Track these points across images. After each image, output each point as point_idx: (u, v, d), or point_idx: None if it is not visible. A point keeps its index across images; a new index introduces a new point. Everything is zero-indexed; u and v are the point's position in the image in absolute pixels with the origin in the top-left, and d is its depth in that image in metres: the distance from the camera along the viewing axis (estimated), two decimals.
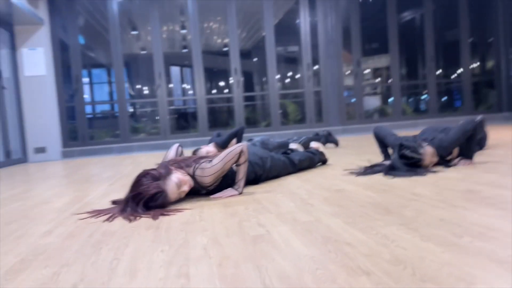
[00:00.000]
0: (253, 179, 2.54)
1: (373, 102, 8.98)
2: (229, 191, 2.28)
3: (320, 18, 7.62)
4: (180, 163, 2.24)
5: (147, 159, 5.17)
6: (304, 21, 7.60)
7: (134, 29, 10.14)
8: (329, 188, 2.27)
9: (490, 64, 8.47)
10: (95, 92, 12.46)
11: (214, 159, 2.22)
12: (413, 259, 1.12)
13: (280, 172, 2.79)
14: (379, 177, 2.53)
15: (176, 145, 2.53)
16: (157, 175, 2.06)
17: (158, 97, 7.28)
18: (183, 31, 10.18)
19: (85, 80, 11.80)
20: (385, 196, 1.96)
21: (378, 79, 9.80)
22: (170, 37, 11.01)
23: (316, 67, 7.75)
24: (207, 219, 1.75)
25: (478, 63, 8.73)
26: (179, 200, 2.18)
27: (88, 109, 11.36)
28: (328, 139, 4.84)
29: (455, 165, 2.73)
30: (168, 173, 2.10)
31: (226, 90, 11.72)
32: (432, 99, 8.03)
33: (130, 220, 1.83)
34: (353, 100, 8.01)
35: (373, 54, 9.46)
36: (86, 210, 2.13)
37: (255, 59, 11.39)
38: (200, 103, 7.35)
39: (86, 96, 11.13)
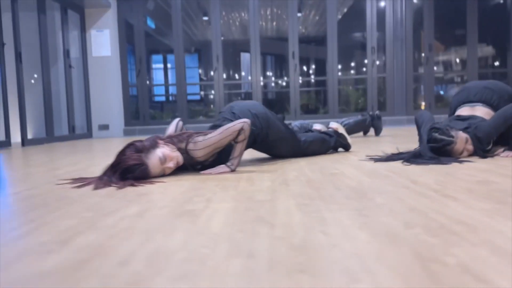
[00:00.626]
0: (253, 141, 2.38)
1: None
2: (221, 167, 2.14)
3: None
4: (173, 138, 2.14)
5: None
6: (370, 2, 7.12)
7: (205, 14, 10.26)
8: (325, 172, 2.03)
9: None
10: (170, 76, 12.89)
11: (209, 133, 2.10)
12: (322, 247, 0.89)
13: (283, 137, 2.52)
14: (396, 164, 2.22)
15: (177, 120, 2.44)
16: (141, 147, 1.98)
17: (214, 81, 7.30)
18: None
19: (159, 66, 12.29)
20: (377, 182, 1.69)
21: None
22: (242, 23, 10.99)
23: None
24: (166, 192, 1.63)
25: None
26: (174, 172, 2.09)
27: (161, 91, 11.83)
28: (373, 122, 4.36)
29: (493, 156, 2.32)
30: (153, 146, 2.01)
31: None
32: None
33: (96, 188, 1.77)
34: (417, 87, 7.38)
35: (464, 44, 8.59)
36: (75, 177, 2.12)
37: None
38: (255, 88, 7.25)
39: (159, 79, 11.60)
